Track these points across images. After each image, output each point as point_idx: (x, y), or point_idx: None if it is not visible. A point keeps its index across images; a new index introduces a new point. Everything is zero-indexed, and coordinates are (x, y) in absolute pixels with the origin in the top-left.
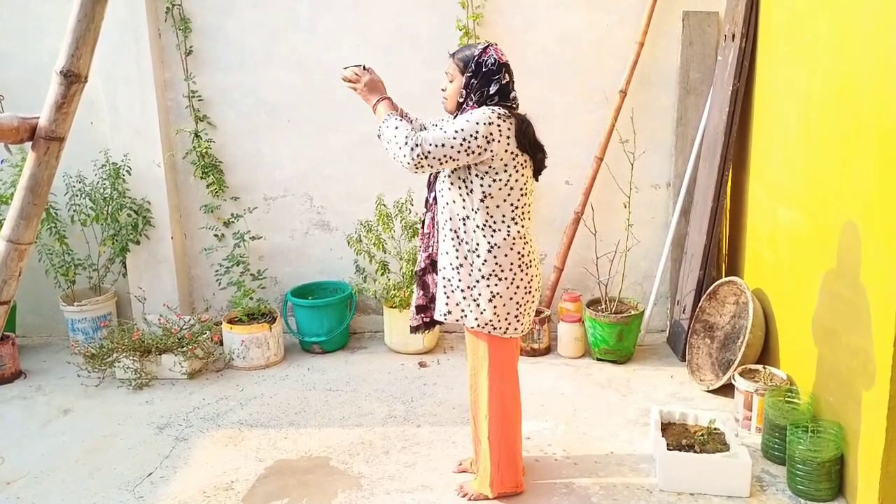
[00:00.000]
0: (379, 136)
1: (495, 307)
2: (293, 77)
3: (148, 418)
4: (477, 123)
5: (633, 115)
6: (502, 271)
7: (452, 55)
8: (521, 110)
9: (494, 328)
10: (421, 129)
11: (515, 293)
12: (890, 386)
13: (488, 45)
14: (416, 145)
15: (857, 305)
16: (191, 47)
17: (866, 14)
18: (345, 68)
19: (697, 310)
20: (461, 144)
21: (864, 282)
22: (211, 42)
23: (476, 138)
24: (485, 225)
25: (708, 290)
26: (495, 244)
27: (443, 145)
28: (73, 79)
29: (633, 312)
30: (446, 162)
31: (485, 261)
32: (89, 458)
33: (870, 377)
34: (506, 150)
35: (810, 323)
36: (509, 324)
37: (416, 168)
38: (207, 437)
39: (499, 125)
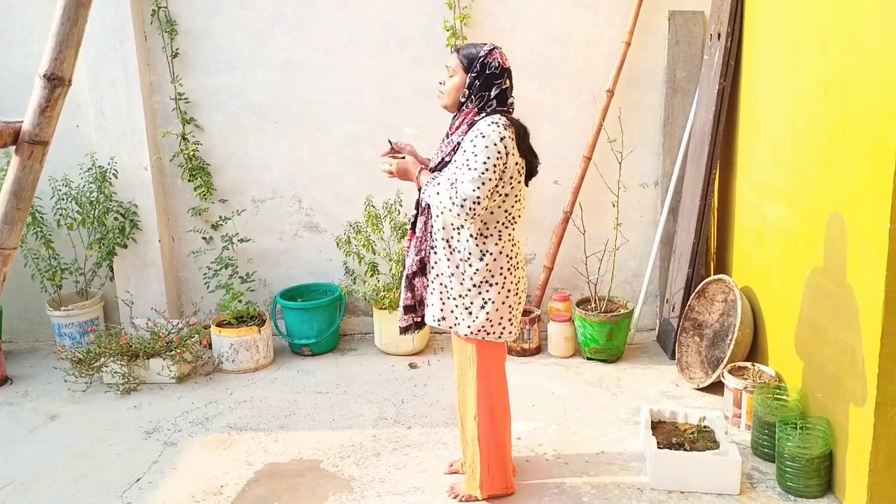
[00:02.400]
0: (429, 206)
1: (488, 313)
2: (281, 78)
3: (136, 423)
4: (495, 144)
5: (620, 115)
6: (492, 276)
7: (457, 51)
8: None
9: (488, 333)
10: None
11: (507, 297)
12: (877, 381)
13: (494, 48)
14: (464, 201)
15: (845, 302)
16: (177, 49)
17: (851, 11)
18: (382, 156)
19: (686, 308)
20: (493, 171)
21: (851, 278)
22: (197, 44)
23: (501, 157)
24: (478, 234)
25: (697, 289)
26: (487, 251)
27: (483, 184)
28: (56, 82)
29: (622, 311)
30: (492, 193)
31: (476, 270)
32: (77, 464)
33: (857, 373)
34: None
35: (798, 320)
36: (503, 328)
37: (475, 217)
38: (196, 442)
39: (510, 136)
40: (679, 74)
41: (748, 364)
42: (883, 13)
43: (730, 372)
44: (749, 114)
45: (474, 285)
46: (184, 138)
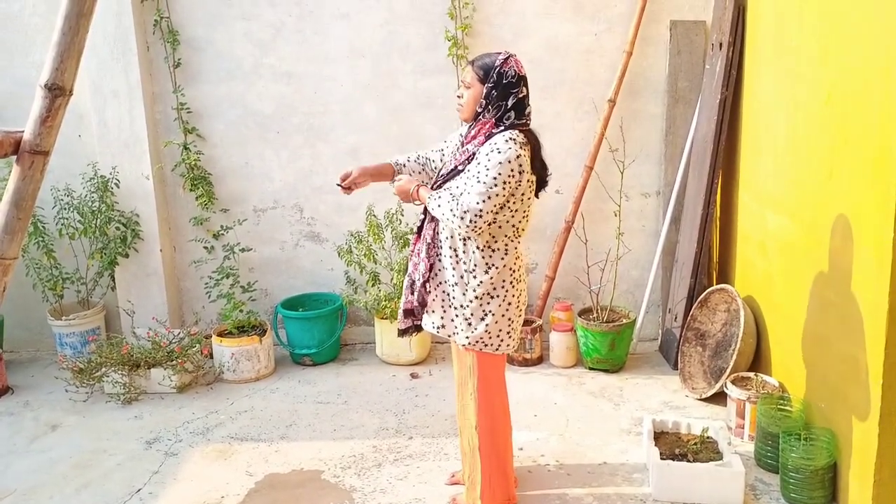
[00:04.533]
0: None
1: (487, 325)
2: (282, 88)
3: (137, 433)
4: (509, 161)
5: (622, 124)
6: (494, 289)
7: (472, 63)
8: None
9: (486, 345)
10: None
11: (507, 310)
12: (881, 392)
13: (509, 56)
14: (465, 212)
15: (848, 312)
16: (179, 60)
17: (852, 22)
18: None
19: (689, 318)
20: (504, 188)
21: (854, 288)
22: (199, 54)
23: (513, 175)
24: (486, 246)
25: (699, 298)
26: (493, 265)
27: (489, 198)
28: (57, 92)
29: (624, 321)
30: (499, 208)
31: (480, 282)
32: (77, 474)
33: (861, 383)
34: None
35: (801, 330)
36: (501, 340)
37: (477, 231)
38: (197, 452)
39: (525, 154)
40: (681, 84)
41: (751, 374)
42: (884, 22)
43: (733, 382)
44: (751, 123)
45: (477, 297)
46: (185, 148)
